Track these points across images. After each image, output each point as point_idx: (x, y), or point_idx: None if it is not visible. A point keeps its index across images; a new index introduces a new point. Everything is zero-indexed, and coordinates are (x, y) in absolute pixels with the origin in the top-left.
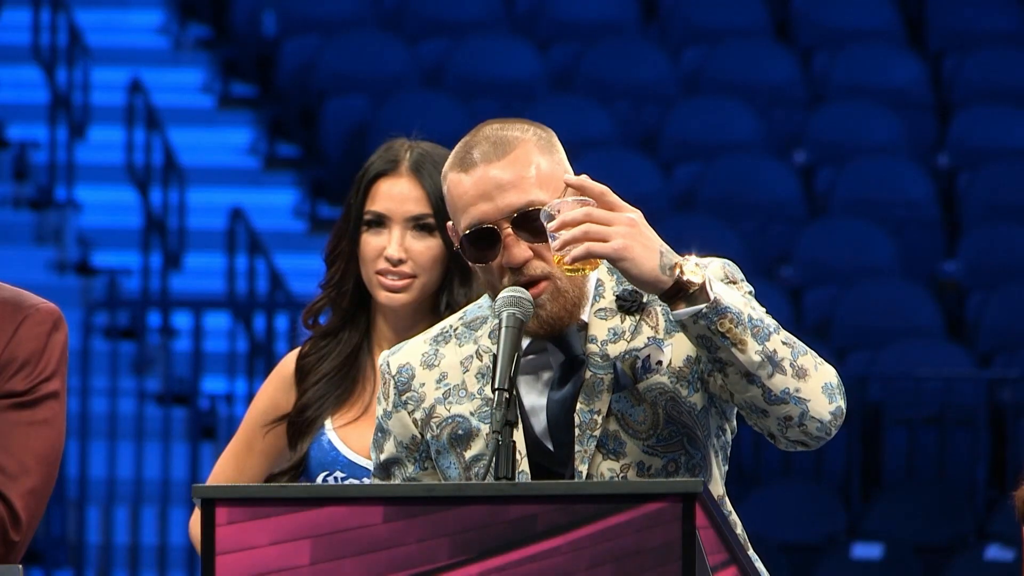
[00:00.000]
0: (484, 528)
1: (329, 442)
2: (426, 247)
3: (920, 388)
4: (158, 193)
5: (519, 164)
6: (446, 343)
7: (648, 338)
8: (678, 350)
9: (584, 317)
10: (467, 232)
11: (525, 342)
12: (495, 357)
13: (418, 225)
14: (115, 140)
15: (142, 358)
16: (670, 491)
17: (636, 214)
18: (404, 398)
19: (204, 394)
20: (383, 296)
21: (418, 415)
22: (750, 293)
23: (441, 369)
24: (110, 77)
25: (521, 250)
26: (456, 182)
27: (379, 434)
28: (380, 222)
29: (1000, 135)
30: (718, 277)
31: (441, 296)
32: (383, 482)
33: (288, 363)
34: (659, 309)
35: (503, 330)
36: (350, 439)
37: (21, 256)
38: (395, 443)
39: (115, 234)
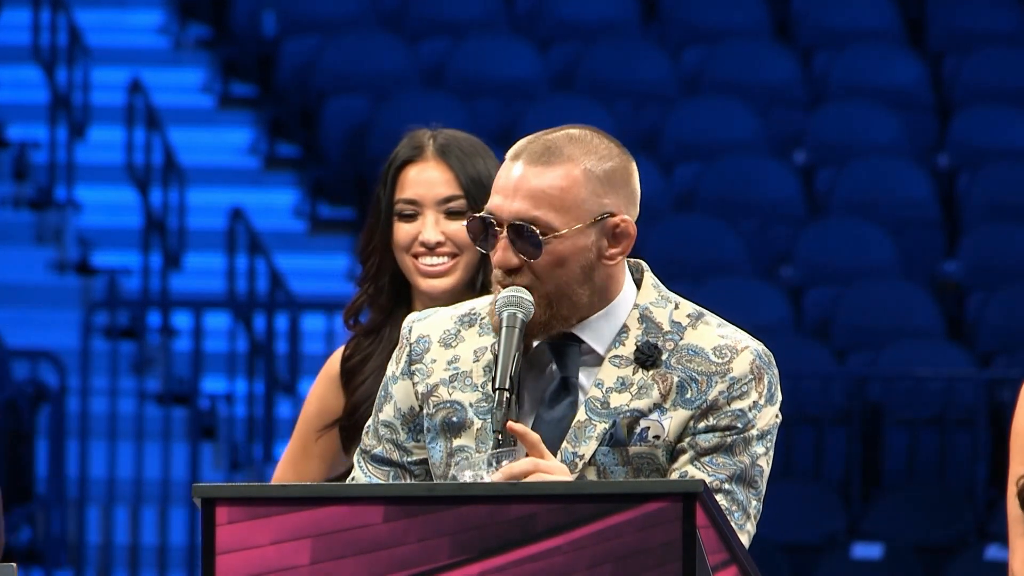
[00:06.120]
0: (484, 528)
1: None
2: (461, 226)
3: (920, 388)
4: (158, 193)
5: (551, 180)
6: (469, 327)
7: (654, 404)
8: (676, 424)
9: (600, 349)
10: (474, 215)
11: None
12: (495, 357)
13: (450, 208)
14: (115, 140)
15: (142, 358)
16: (670, 491)
17: (562, 466)
18: (413, 368)
19: (204, 394)
20: (423, 284)
21: (421, 388)
22: (763, 404)
23: (456, 352)
24: (110, 77)
25: (508, 256)
26: (504, 164)
27: (383, 394)
28: (412, 210)
29: (1000, 135)
30: (743, 372)
31: (477, 278)
32: (373, 474)
33: (334, 363)
34: (675, 377)
35: (504, 330)
36: None
37: (21, 256)
38: (394, 409)
39: (115, 234)
